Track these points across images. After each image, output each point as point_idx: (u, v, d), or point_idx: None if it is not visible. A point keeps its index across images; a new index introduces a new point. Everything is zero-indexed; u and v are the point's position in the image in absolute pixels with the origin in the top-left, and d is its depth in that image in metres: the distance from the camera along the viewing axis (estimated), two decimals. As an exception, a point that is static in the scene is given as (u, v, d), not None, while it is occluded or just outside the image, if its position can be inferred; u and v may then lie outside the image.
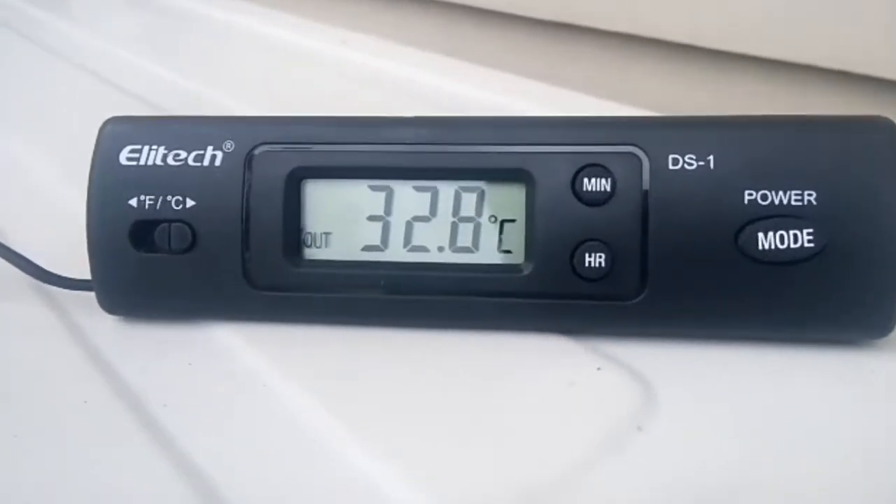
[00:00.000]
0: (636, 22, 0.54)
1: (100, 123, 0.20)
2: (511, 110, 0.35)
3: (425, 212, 0.19)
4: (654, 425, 0.16)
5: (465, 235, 0.19)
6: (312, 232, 0.19)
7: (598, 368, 0.17)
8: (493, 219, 0.19)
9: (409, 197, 0.19)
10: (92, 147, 0.19)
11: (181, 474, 0.15)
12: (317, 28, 0.50)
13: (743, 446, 0.15)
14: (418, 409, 0.16)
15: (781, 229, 0.17)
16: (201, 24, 0.54)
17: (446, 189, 0.19)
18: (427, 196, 0.19)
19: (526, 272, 0.18)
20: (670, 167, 0.18)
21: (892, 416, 0.16)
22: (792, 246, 0.17)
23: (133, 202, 0.19)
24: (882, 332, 0.18)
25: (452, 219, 0.19)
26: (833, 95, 0.47)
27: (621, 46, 0.58)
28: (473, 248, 0.19)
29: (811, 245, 0.17)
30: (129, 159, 0.19)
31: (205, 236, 0.19)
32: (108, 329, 0.19)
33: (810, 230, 0.17)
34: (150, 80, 0.40)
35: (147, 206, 0.19)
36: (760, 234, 0.17)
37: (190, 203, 0.19)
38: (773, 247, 0.17)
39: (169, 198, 0.19)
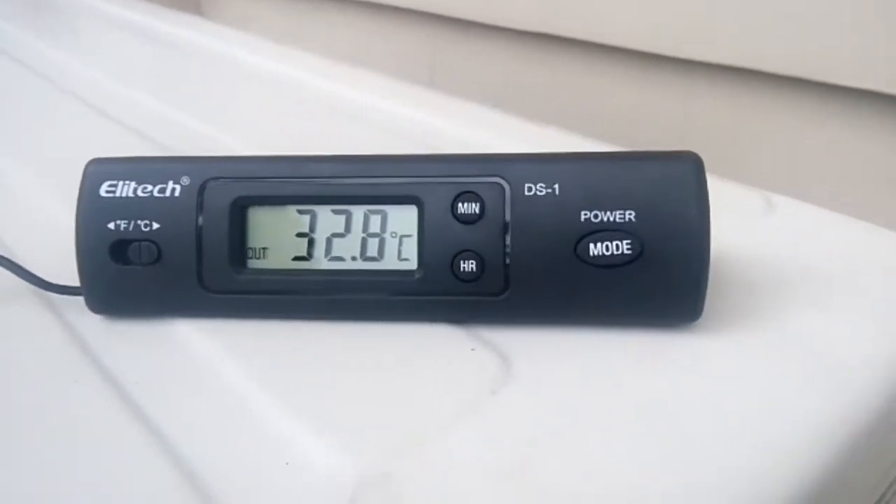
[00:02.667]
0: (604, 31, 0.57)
1: (86, 154, 0.25)
2: (450, 135, 0.40)
3: (341, 229, 0.24)
4: (506, 390, 0.21)
5: (372, 248, 0.24)
6: (253, 247, 0.24)
7: (472, 349, 0.23)
8: (393, 234, 0.24)
9: (328, 218, 0.24)
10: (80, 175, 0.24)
11: (150, 438, 0.20)
12: (299, 56, 0.55)
13: (576, 406, 0.20)
14: (330, 381, 0.22)
15: (607, 240, 0.22)
16: (191, 56, 0.59)
17: (357, 212, 0.24)
18: (342, 217, 0.24)
19: (418, 276, 0.23)
20: (526, 193, 0.23)
21: (699, 383, 0.21)
22: (615, 253, 0.22)
23: (111, 225, 0.24)
24: (692, 317, 0.23)
25: (363, 235, 0.24)
26: (794, 102, 0.51)
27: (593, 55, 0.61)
28: (379, 258, 0.24)
29: (630, 252, 0.22)
30: (107, 192, 0.24)
31: (168, 251, 0.24)
32: (94, 326, 0.24)
33: (629, 241, 0.22)
34: (137, 109, 0.45)
35: (122, 229, 0.24)
36: (591, 245, 0.22)
37: (156, 225, 0.24)
38: (601, 253, 0.22)
39: (139, 222, 0.24)
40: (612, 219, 0.22)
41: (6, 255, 0.26)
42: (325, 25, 0.98)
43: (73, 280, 0.24)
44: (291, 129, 0.42)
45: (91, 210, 0.24)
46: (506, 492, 0.18)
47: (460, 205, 0.23)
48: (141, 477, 0.18)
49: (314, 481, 0.18)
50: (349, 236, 0.24)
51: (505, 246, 0.23)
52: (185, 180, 0.24)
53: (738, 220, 0.29)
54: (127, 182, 0.24)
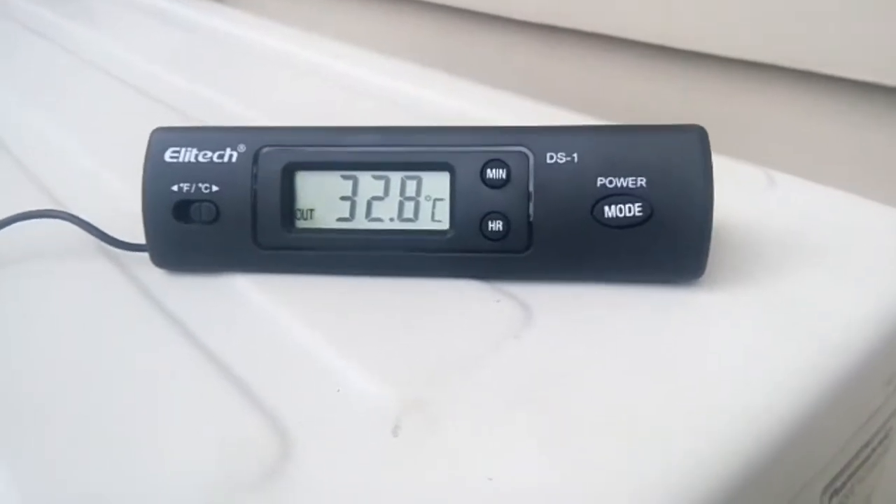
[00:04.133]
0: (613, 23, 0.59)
1: (135, 128, 0.27)
2: (472, 116, 0.42)
3: (380, 193, 0.26)
4: (527, 334, 0.24)
5: (408, 210, 0.26)
6: (301, 208, 0.27)
7: (497, 301, 0.25)
8: (428, 197, 0.26)
9: (369, 183, 0.26)
10: (134, 147, 0.27)
11: (212, 365, 0.23)
12: (317, 41, 0.58)
13: (590, 351, 0.23)
14: (372, 325, 0.24)
15: (620, 204, 0.25)
16: (221, 41, 0.62)
17: (395, 177, 0.26)
18: (382, 182, 0.26)
19: (450, 235, 0.26)
20: (548, 161, 0.25)
21: (697, 331, 0.24)
22: (627, 215, 0.25)
23: (175, 188, 0.27)
24: (695, 274, 0.25)
25: (400, 198, 0.26)
26: (798, 94, 0.53)
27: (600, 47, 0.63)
28: (414, 219, 0.26)
29: (641, 214, 0.25)
30: (171, 157, 0.27)
31: (225, 212, 0.26)
32: (158, 279, 0.27)
33: (640, 204, 0.25)
34: (177, 90, 0.48)
35: (184, 191, 0.26)
36: (606, 208, 0.25)
37: (215, 188, 0.26)
38: (614, 216, 0.25)
39: (200, 184, 0.26)
40: (625, 184, 0.25)
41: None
42: (340, 16, 1.00)
43: (140, 238, 0.27)
44: (314, 107, 0.45)
45: (156, 173, 0.27)
46: (524, 415, 0.20)
47: (489, 171, 0.25)
48: (218, 406, 0.21)
49: (362, 406, 0.21)
50: (387, 199, 0.26)
51: (528, 208, 0.25)
52: (242, 147, 0.26)
53: (741, 193, 0.31)
54: (189, 148, 0.27)
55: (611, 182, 0.25)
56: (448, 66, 0.85)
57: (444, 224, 0.26)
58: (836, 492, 0.27)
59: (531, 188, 0.25)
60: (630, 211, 0.25)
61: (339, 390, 0.21)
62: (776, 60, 0.53)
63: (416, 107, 0.44)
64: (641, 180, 0.25)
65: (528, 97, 0.44)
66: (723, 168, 0.34)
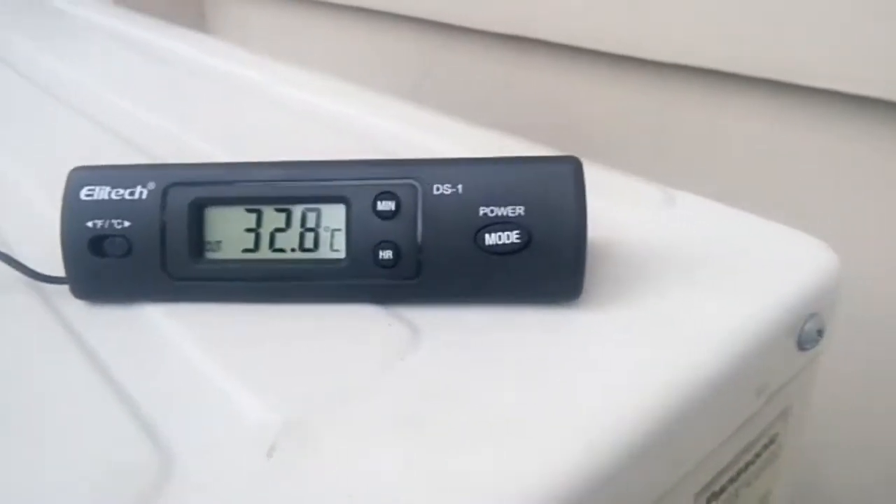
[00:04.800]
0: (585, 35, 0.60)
1: (82, 157, 0.29)
2: (409, 139, 0.44)
3: (283, 225, 0.28)
4: (413, 356, 0.25)
5: (308, 240, 0.28)
6: (209, 240, 0.28)
7: (389, 325, 0.27)
8: (326, 228, 0.28)
9: (272, 216, 0.28)
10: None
11: (108, 389, 0.24)
12: (292, 73, 0.59)
13: (471, 369, 0.25)
14: (268, 350, 0.26)
15: (500, 231, 0.26)
16: (196, 72, 0.64)
17: (296, 210, 0.28)
18: (284, 215, 0.28)
19: (346, 263, 0.28)
20: (434, 192, 0.27)
21: (578, 349, 0.26)
22: (507, 242, 0.26)
23: (90, 224, 0.28)
24: (572, 295, 0.27)
25: (301, 229, 0.28)
26: (771, 105, 0.54)
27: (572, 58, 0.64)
28: (314, 248, 0.28)
29: (519, 241, 0.26)
30: (86, 195, 0.28)
31: (137, 245, 0.28)
32: (77, 309, 0.29)
33: (518, 231, 0.26)
34: (129, 119, 0.50)
35: (98, 226, 0.28)
36: (487, 235, 0.26)
37: (127, 223, 0.28)
38: (495, 243, 0.26)
39: (113, 220, 0.28)
40: (504, 213, 0.26)
41: (3, 249, 0.31)
42: (321, 32, 1.03)
43: (59, 271, 0.29)
44: (278, 140, 0.46)
45: (73, 211, 0.28)
46: (407, 436, 0.22)
47: (380, 203, 0.27)
48: (107, 427, 0.23)
49: (244, 428, 0.22)
50: (289, 231, 0.28)
51: (417, 237, 0.27)
52: (151, 185, 0.28)
53: (637, 212, 0.33)
54: (102, 187, 0.28)
55: (492, 211, 0.27)
56: (427, 79, 0.87)
57: (342, 253, 0.28)
58: (715, 495, 0.28)
59: (419, 218, 0.27)
60: (509, 238, 0.26)
61: (226, 415, 0.23)
62: (744, 70, 0.55)
63: (375, 137, 0.46)
64: (520, 209, 0.26)
65: (501, 112, 0.46)
66: (623, 187, 0.36)
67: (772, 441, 0.31)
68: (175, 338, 0.27)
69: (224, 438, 0.22)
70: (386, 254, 0.27)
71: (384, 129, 0.46)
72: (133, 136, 0.46)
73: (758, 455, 0.30)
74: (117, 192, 0.28)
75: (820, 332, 0.29)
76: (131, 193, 0.28)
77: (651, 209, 0.34)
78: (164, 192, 0.28)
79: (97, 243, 0.28)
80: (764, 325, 0.27)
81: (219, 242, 0.28)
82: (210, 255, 0.28)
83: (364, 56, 0.95)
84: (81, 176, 0.29)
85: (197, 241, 0.28)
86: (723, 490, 0.29)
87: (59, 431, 0.23)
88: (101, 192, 0.28)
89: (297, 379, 0.25)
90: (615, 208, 0.33)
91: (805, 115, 0.54)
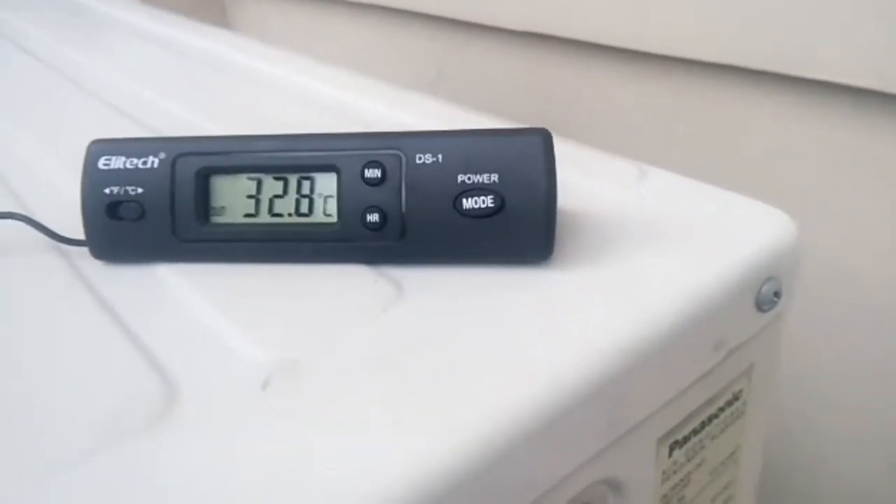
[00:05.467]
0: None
1: (95, 134, 0.32)
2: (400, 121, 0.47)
3: (280, 192, 0.31)
4: (395, 309, 0.28)
5: (304, 206, 0.31)
6: (214, 206, 0.31)
7: (375, 281, 0.30)
8: (319, 195, 0.31)
9: (270, 184, 0.31)
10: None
11: (119, 331, 0.27)
12: (286, 58, 0.62)
13: (446, 321, 0.27)
14: (264, 302, 0.29)
15: (476, 196, 0.29)
16: (214, 64, 0.67)
17: (292, 178, 0.31)
18: (281, 183, 0.31)
19: (337, 227, 0.30)
20: (417, 162, 0.29)
21: (545, 304, 0.28)
22: (483, 206, 0.29)
23: (107, 191, 0.31)
24: (543, 256, 0.30)
25: (296, 196, 0.31)
26: (779, 97, 0.56)
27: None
28: (309, 213, 0.31)
29: (493, 205, 0.29)
30: (104, 164, 0.31)
31: (149, 210, 0.31)
32: (95, 268, 0.32)
33: (492, 196, 0.29)
34: (151, 107, 0.53)
35: (115, 193, 0.31)
36: (464, 200, 0.29)
37: (140, 190, 0.31)
38: (472, 207, 0.29)
39: (127, 187, 0.31)
40: (481, 180, 0.29)
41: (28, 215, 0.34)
42: (339, 29, 1.06)
43: (80, 234, 0.32)
44: (274, 122, 0.49)
45: (91, 178, 0.31)
46: (386, 374, 0.25)
47: (367, 171, 0.30)
48: (120, 364, 0.26)
49: (241, 364, 0.25)
50: (286, 197, 0.31)
51: (401, 202, 0.29)
52: (162, 155, 0.31)
53: (610, 186, 0.35)
54: (118, 157, 0.31)
55: (469, 178, 0.29)
56: (444, 75, 0.90)
57: (333, 217, 0.30)
58: (679, 444, 0.31)
59: (403, 185, 0.29)
60: (484, 203, 0.29)
61: (226, 353, 0.26)
62: (749, 63, 0.56)
63: (357, 115, 0.49)
64: (494, 176, 0.29)
65: (516, 107, 0.48)
66: (599, 163, 0.38)
67: (736, 398, 0.33)
68: (182, 292, 0.30)
69: (223, 373, 0.25)
70: (373, 217, 0.30)
71: (402, 121, 0.49)
72: (151, 122, 0.49)
73: (721, 409, 0.33)
74: (131, 161, 0.31)
75: (777, 294, 0.31)
76: (144, 163, 0.31)
77: (623, 182, 0.36)
78: (174, 162, 0.31)
79: (113, 208, 0.31)
80: (720, 283, 0.29)
81: (223, 208, 0.31)
82: (215, 220, 0.31)
83: (381, 53, 0.98)
84: (100, 147, 0.32)
85: (203, 206, 0.31)
86: (686, 439, 0.31)
87: (79, 366, 0.26)
88: (117, 162, 0.31)
89: (289, 325, 0.27)
90: (590, 181, 0.35)
91: (815, 107, 0.55)
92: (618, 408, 0.26)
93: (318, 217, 0.31)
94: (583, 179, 0.36)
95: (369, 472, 0.21)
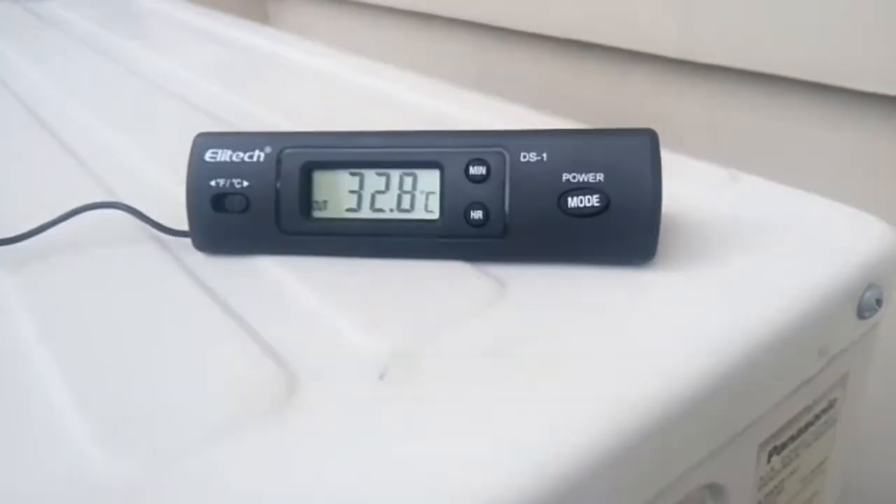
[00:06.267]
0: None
1: (181, 134, 0.33)
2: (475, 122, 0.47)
3: (383, 188, 0.31)
4: (500, 304, 0.28)
5: (405, 202, 0.31)
6: (317, 200, 0.32)
7: (478, 278, 0.30)
8: (421, 192, 0.31)
9: (373, 179, 0.31)
10: (180, 149, 0.33)
11: (235, 322, 0.28)
12: (350, 59, 0.63)
13: (552, 318, 0.27)
14: (371, 295, 0.29)
15: (581, 195, 0.29)
16: (264, 58, 0.68)
17: (395, 174, 0.31)
18: (384, 179, 0.31)
19: (440, 223, 0.30)
20: (521, 160, 0.30)
21: (650, 304, 0.28)
22: (588, 205, 0.29)
23: (213, 183, 0.32)
24: (647, 256, 0.30)
25: (398, 192, 0.31)
26: (813, 106, 0.55)
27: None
28: (410, 209, 0.31)
29: (599, 205, 0.29)
30: (210, 157, 0.32)
31: (254, 203, 0.32)
32: (198, 259, 0.33)
33: (598, 196, 0.29)
34: (220, 102, 0.54)
35: (220, 185, 0.32)
36: (569, 199, 0.29)
37: (246, 183, 0.32)
38: (577, 206, 0.29)
39: (233, 180, 0.32)
40: (585, 179, 0.29)
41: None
42: (380, 34, 1.07)
43: (182, 226, 0.33)
44: (338, 117, 0.50)
45: (198, 171, 0.32)
46: (493, 365, 0.25)
47: (472, 168, 0.30)
48: (237, 352, 0.26)
49: (358, 355, 0.26)
50: (388, 193, 0.31)
51: (505, 199, 0.30)
52: (268, 149, 0.32)
53: (703, 190, 0.35)
54: (225, 150, 0.32)
55: (574, 177, 0.29)
56: (483, 82, 0.90)
57: (435, 214, 0.31)
58: (777, 450, 0.30)
59: (507, 183, 0.30)
60: (590, 202, 0.29)
61: (338, 346, 0.26)
62: (791, 73, 0.56)
63: (423, 114, 0.49)
64: (600, 175, 0.29)
65: (550, 107, 0.49)
66: (689, 168, 0.38)
67: (831, 405, 0.33)
68: (288, 283, 0.30)
69: (341, 363, 0.25)
70: (476, 214, 0.30)
71: (455, 115, 0.49)
72: (226, 117, 0.50)
73: (817, 417, 0.32)
74: (237, 154, 0.32)
75: (879, 302, 0.31)
76: (250, 157, 0.32)
77: (716, 187, 0.36)
78: (279, 156, 0.32)
79: (219, 200, 0.32)
80: (825, 288, 0.29)
81: (325, 202, 0.32)
82: (317, 214, 0.32)
83: (421, 59, 0.99)
84: (206, 140, 0.33)
85: (306, 200, 0.32)
86: (784, 446, 0.31)
87: (202, 353, 0.26)
88: (223, 155, 0.32)
89: (399, 317, 0.28)
90: (683, 185, 0.35)
91: (856, 117, 0.55)
92: (729, 410, 0.26)
93: (419, 213, 0.31)
94: (674, 181, 0.36)
95: (491, 463, 0.21)
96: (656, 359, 0.25)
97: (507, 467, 0.21)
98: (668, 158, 0.38)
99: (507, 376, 0.24)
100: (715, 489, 0.28)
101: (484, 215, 0.30)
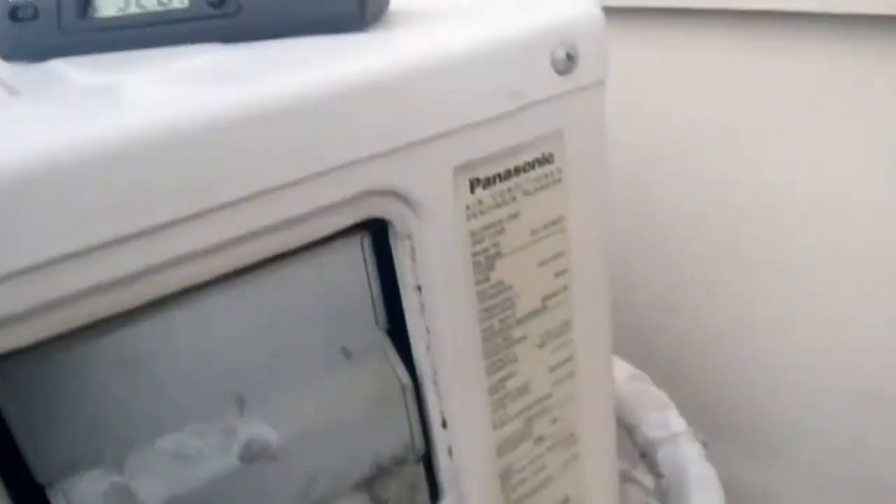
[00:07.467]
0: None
1: None
2: None
3: (146, -11, 0.37)
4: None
5: (165, -2, 0.37)
6: (92, 2, 0.38)
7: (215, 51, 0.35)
8: (176, -12, 0.37)
9: (138, -17, 0.37)
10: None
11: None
12: None
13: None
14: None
15: (294, -31, 0.35)
16: None
17: (156, -23, 0.37)
18: (147, -19, 0.37)
19: (189, 9, 0.36)
20: None
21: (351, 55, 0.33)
22: (299, -24, 0.35)
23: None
24: (356, 22, 0.35)
25: (159, -9, 0.37)
26: None
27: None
28: (168, 2, 0.37)
29: (308, -25, 0.34)
30: (7, -22, 0.38)
31: (41, 10, 0.37)
32: (4, 66, 0.38)
33: (307, -32, 0.34)
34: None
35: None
36: (284, -28, 0.35)
37: (34, -5, 0.37)
38: (291, -22, 0.35)
39: (24, -7, 0.38)
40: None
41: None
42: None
43: (-8, 41, 0.38)
44: None
45: (-3, -9, 0.38)
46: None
47: (210, -40, 0.36)
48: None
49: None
50: (151, -7, 0.37)
51: (236, -18, 0.35)
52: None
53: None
54: (18, -31, 0.38)
55: (289, -44, 0.35)
56: None
57: (186, 2, 0.36)
58: (482, 183, 0.35)
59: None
60: (300, -27, 0.35)
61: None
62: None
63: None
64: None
65: None
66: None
67: (547, 160, 0.38)
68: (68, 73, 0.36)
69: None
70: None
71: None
72: None
73: (531, 165, 0.37)
74: (28, -31, 0.38)
75: (570, 58, 0.36)
76: (38, -30, 0.38)
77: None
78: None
79: (14, 12, 0.38)
80: (510, 35, 0.34)
81: (99, 4, 0.38)
82: (92, 14, 0.37)
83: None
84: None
85: (83, 2, 0.37)
86: (490, 181, 0.36)
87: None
88: (21, -27, 0.38)
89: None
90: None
91: None
92: (396, 112, 0.31)
93: (175, 4, 0.37)
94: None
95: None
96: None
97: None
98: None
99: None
100: (406, 199, 0.33)
101: (220, -1, 0.36)
